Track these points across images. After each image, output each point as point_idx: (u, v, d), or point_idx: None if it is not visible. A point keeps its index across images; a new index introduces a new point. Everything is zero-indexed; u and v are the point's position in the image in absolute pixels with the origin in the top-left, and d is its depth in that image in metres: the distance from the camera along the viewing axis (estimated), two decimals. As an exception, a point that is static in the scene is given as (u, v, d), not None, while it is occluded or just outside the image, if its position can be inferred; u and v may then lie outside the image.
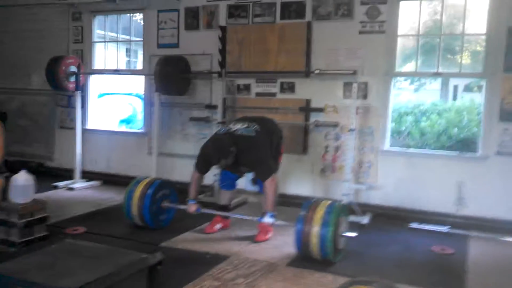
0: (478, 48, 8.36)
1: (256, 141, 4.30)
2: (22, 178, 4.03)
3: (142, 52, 6.90)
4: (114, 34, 7.38)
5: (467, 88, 14.76)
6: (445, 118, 7.75)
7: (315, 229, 3.72)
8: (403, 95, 11.59)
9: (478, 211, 4.99)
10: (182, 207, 4.59)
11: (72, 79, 6.49)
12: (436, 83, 16.24)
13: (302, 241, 3.79)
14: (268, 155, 4.35)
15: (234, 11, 6.07)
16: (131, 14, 7.45)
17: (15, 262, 2.93)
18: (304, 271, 3.67)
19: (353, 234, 3.96)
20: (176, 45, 6.43)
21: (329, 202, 3.96)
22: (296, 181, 5.74)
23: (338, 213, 3.82)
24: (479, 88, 13.18)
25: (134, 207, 4.52)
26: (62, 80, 6.43)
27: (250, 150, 4.24)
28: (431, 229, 4.80)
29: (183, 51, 6.31)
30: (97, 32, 7.24)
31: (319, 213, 3.79)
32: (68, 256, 3.09)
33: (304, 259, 3.88)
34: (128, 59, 11.36)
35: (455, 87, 15.85)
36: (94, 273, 2.72)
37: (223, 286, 3.36)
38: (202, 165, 4.40)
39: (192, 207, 4.43)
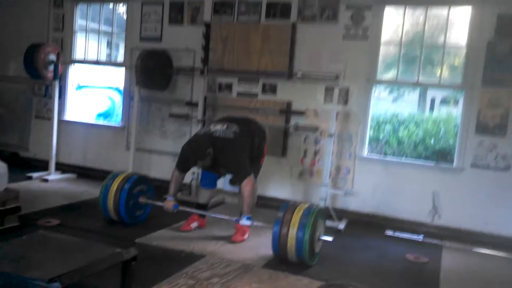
0: (456, 64, 8.52)
1: (234, 143, 4.29)
2: (-5, 166, 3.92)
3: (123, 46, 6.79)
4: (96, 26, 7.24)
5: (444, 101, 15.03)
6: (423, 129, 7.86)
7: (292, 232, 3.71)
8: (382, 104, 11.71)
9: (452, 222, 5.06)
10: (159, 203, 4.53)
11: (51, 68, 6.35)
12: (414, 95, 16.48)
13: (279, 243, 3.78)
14: (245, 157, 4.33)
15: (219, 8, 6.03)
16: (115, 6, 7.33)
17: (-16, 252, 2.83)
18: (280, 274, 3.65)
19: (329, 238, 3.96)
20: (159, 39, 6.36)
21: (307, 205, 3.96)
22: (275, 183, 5.73)
23: (316, 216, 3.82)
24: (455, 102, 13.45)
25: (110, 201, 4.45)
26: (40, 69, 6.29)
27: (228, 152, 4.24)
28: (406, 237, 4.85)
29: (165, 45, 6.24)
30: (79, 21, 7.09)
31: (297, 215, 3.78)
32: (40, 247, 3.00)
33: (280, 261, 3.87)
34: (109, 52, 11.17)
35: (432, 100, 16.13)
36: (67, 266, 2.63)
37: (198, 285, 3.32)
38: (182, 165, 4.38)
39: (169, 204, 4.37)
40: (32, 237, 3.17)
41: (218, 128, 4.33)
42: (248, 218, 4.17)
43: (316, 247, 3.90)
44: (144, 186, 4.68)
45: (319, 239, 3.91)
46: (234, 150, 4.26)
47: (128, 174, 4.69)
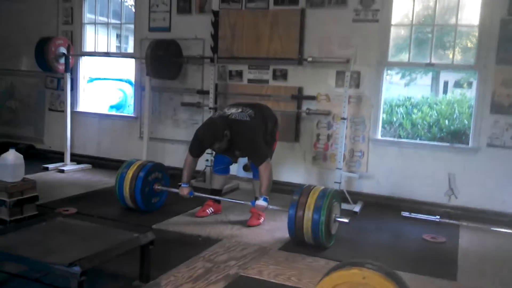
0: (469, 45, 8.42)
1: (250, 126, 4.27)
2: (11, 157, 3.97)
3: (133, 37, 6.80)
4: (105, 19, 7.26)
5: (457, 84, 14.86)
6: (437, 110, 7.79)
7: (308, 214, 3.71)
8: (394, 89, 11.63)
9: (469, 202, 5.02)
10: (175, 190, 4.55)
11: (62, 60, 6.40)
12: (427, 78, 16.32)
13: (295, 226, 3.79)
14: (262, 140, 4.33)
15: (227, -4, 6.01)
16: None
17: (5, 238, 2.88)
18: (296, 256, 3.67)
19: (346, 220, 3.96)
20: (167, 29, 6.34)
21: (322, 187, 3.96)
22: (288, 168, 5.73)
23: (331, 198, 3.81)
24: (469, 84, 13.29)
25: (126, 188, 4.48)
26: (52, 62, 6.34)
27: (244, 134, 4.22)
28: (423, 218, 4.82)
29: (174, 35, 6.23)
30: (88, 16, 7.11)
31: (312, 198, 3.78)
32: (59, 233, 3.05)
33: (296, 244, 3.88)
34: (119, 44, 11.21)
35: (445, 83, 15.94)
36: (85, 251, 2.67)
37: (216, 268, 3.34)
38: (196, 149, 4.36)
39: (184, 190, 4.39)
40: (51, 223, 3.22)
41: (233, 111, 4.32)
42: (265, 199, 4.15)
43: (332, 229, 3.91)
44: (159, 173, 4.71)
45: (335, 221, 3.91)
46: (251, 132, 4.25)
47: (143, 161, 4.73)
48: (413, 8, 5.35)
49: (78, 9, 6.94)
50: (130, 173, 4.50)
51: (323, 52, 5.52)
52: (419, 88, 13.98)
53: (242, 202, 4.43)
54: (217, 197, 4.66)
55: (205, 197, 4.62)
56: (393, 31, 5.47)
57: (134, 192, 4.46)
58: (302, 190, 3.91)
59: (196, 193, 4.48)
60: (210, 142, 4.15)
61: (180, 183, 4.47)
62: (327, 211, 3.73)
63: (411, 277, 3.25)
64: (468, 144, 5.25)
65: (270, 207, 4.17)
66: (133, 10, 6.77)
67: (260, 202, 4.14)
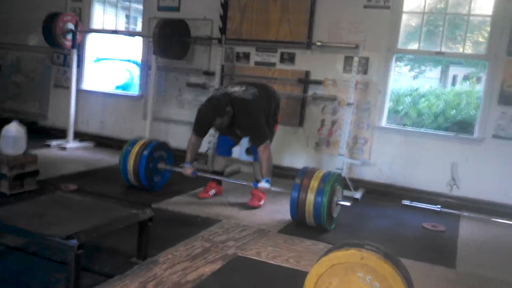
0: (480, 38, 8.31)
1: (253, 104, 4.23)
2: (13, 129, 3.96)
3: (141, 18, 6.75)
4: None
5: (466, 78, 14.68)
6: (444, 100, 7.71)
7: (311, 196, 3.72)
8: (402, 81, 11.53)
9: (471, 192, 4.99)
10: (178, 169, 4.56)
11: (69, 36, 6.38)
12: (436, 72, 16.15)
13: (297, 208, 3.80)
14: (263, 121, 4.29)
15: (239, -23, 5.94)
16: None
17: (4, 209, 2.88)
18: (295, 239, 3.66)
19: (347, 203, 3.96)
20: (176, 9, 6.30)
21: (325, 171, 3.95)
22: (291, 153, 5.71)
23: (334, 181, 3.81)
24: (478, 79, 13.14)
25: (130, 162, 4.49)
26: (59, 37, 6.31)
27: (246, 113, 4.19)
28: (423, 207, 4.81)
29: (183, 14, 6.19)
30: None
31: (315, 181, 3.78)
32: (58, 207, 3.04)
33: (298, 225, 3.89)
34: (127, 25, 11.16)
35: (454, 77, 15.76)
36: (84, 224, 2.66)
37: (214, 247, 3.34)
38: (199, 127, 4.34)
39: (188, 170, 4.38)
40: (51, 197, 3.23)
41: (236, 89, 4.27)
42: (267, 181, 4.14)
43: (334, 212, 3.91)
44: (163, 152, 4.71)
45: (337, 204, 3.92)
46: (253, 111, 4.22)
47: (148, 139, 4.74)
48: (425, -5, 5.27)
49: (87, -15, 6.89)
50: (135, 149, 4.52)
51: (332, 36, 5.47)
52: (428, 81, 13.84)
53: (245, 183, 4.42)
54: (220, 177, 4.65)
55: (209, 177, 4.60)
56: (405, 18, 5.40)
57: (138, 167, 4.46)
58: (305, 173, 3.91)
59: (201, 173, 4.48)
60: (212, 117, 4.10)
61: (182, 164, 4.45)
62: (330, 194, 3.73)
63: (410, 263, 3.22)
64: (473, 134, 5.20)
65: (273, 189, 4.16)
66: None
67: (262, 184, 4.14)
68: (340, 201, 3.94)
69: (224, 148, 4.66)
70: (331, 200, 3.77)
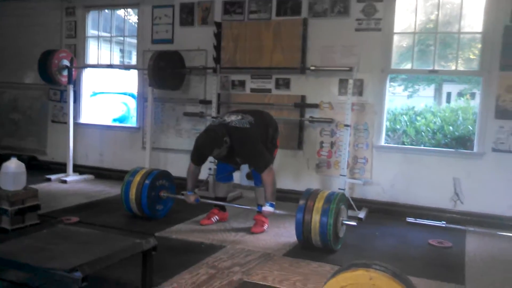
0: (472, 56, 8.43)
1: (250, 132, 4.22)
2: (13, 165, 3.95)
3: (136, 53, 6.84)
4: (108, 34, 7.32)
5: (460, 95, 14.85)
6: (440, 117, 7.75)
7: (316, 218, 3.72)
8: (397, 101, 11.62)
9: (475, 207, 4.97)
10: (181, 197, 4.56)
11: (65, 72, 6.44)
12: (430, 90, 16.33)
13: (303, 230, 3.79)
14: (263, 147, 4.28)
15: (230, 7, 6.05)
16: (125, 13, 7.41)
17: (6, 245, 2.85)
18: (301, 261, 3.62)
19: (353, 223, 3.96)
20: (170, 41, 6.38)
21: (329, 191, 3.96)
22: (292, 176, 5.69)
23: (338, 202, 3.81)
24: (472, 95, 13.28)
25: (133, 191, 4.48)
26: (55, 74, 6.37)
27: (245, 142, 4.18)
28: (428, 224, 4.77)
29: (177, 46, 6.26)
30: (91, 32, 7.17)
31: (320, 202, 3.79)
32: (60, 240, 3.00)
33: (303, 247, 3.87)
34: (122, 59, 11.29)
35: (448, 94, 15.93)
36: (87, 257, 2.63)
37: (219, 274, 3.29)
38: (197, 157, 4.31)
39: (191, 198, 4.39)
40: (52, 230, 3.19)
41: (233, 119, 4.27)
42: (272, 205, 4.13)
43: (340, 232, 3.90)
44: (165, 181, 4.71)
45: (342, 224, 3.91)
46: (251, 139, 4.21)
47: (150, 169, 4.75)
48: (416, 17, 5.36)
49: (81, 23, 6.99)
50: (137, 179, 4.53)
51: (325, 61, 5.53)
52: (422, 99, 13.98)
53: (249, 207, 4.39)
54: (223, 203, 4.63)
55: (212, 203, 4.58)
56: (396, 39, 5.48)
57: (140, 196, 4.45)
58: (309, 194, 3.91)
59: (203, 199, 4.47)
60: (210, 149, 4.10)
61: (183, 192, 4.44)
62: (335, 214, 3.73)
63: (419, 281, 3.20)
64: (473, 149, 5.21)
65: (277, 212, 4.14)
66: (136, 24, 6.82)
67: (267, 208, 4.13)
68: (346, 220, 3.94)
69: (224, 174, 4.64)
70: (336, 220, 3.76)
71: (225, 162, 4.50)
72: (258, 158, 4.19)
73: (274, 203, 4.14)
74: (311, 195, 3.89)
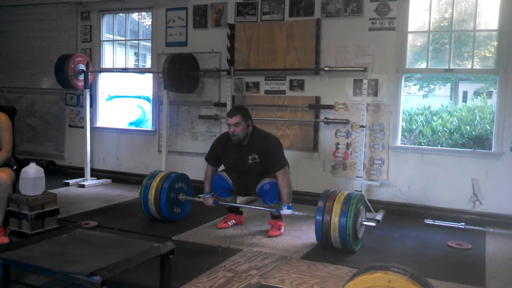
0: (488, 48, 8.31)
1: (271, 137, 4.40)
2: (32, 170, 3.98)
3: (150, 56, 6.88)
4: (123, 38, 7.38)
5: (477, 94, 14.66)
6: (457, 117, 7.65)
7: (335, 219, 3.74)
8: (413, 101, 11.54)
9: (494, 208, 4.91)
10: (199, 199, 4.59)
11: (81, 77, 6.51)
12: (446, 89, 16.16)
13: (322, 231, 3.80)
14: (280, 148, 4.34)
15: (243, 9, 6.05)
16: (139, 16, 7.46)
17: (26, 249, 2.88)
18: (318, 264, 3.61)
19: (372, 223, 3.97)
20: (184, 43, 6.41)
21: (347, 192, 3.97)
22: (307, 178, 5.67)
23: (357, 202, 3.82)
24: (488, 94, 13.12)
25: (152, 191, 4.52)
26: (71, 78, 6.44)
27: (264, 137, 4.31)
28: (447, 225, 4.72)
29: (191, 49, 6.29)
30: (106, 35, 7.24)
31: (338, 203, 3.80)
32: (79, 244, 3.04)
33: (319, 252, 3.86)
34: (137, 63, 11.38)
35: (465, 93, 15.74)
36: (106, 260, 2.65)
37: (237, 277, 3.30)
38: (212, 156, 4.42)
39: (209, 200, 4.41)
40: (71, 235, 3.22)
41: None
42: (289, 207, 4.15)
43: (359, 233, 3.91)
44: (183, 184, 4.73)
45: (361, 225, 3.91)
46: (270, 136, 4.35)
47: (168, 172, 4.78)
48: (430, 15, 5.32)
49: (96, 27, 7.06)
50: (155, 181, 4.57)
51: (339, 61, 5.52)
52: (438, 99, 13.85)
53: (268, 209, 4.36)
54: (241, 205, 4.63)
55: (230, 205, 4.54)
56: (411, 38, 5.43)
57: (159, 198, 4.49)
58: (327, 195, 3.91)
59: (221, 202, 4.48)
60: (232, 113, 4.23)
61: (201, 195, 4.45)
62: (354, 215, 3.74)
63: (438, 283, 3.16)
64: (491, 149, 5.14)
65: (296, 213, 4.16)
66: (150, 28, 6.86)
67: (285, 211, 4.15)
68: (365, 221, 3.94)
69: (221, 190, 4.41)
70: (355, 221, 3.77)
71: (235, 164, 4.39)
72: (277, 155, 4.24)
73: (290, 205, 4.15)
74: (329, 196, 3.90)
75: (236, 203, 4.68)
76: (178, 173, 4.76)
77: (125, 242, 3.12)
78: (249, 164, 4.29)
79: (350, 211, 3.72)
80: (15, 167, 4.15)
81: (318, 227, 3.82)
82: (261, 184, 4.23)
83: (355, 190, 5.02)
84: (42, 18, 7.38)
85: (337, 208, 3.76)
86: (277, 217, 4.38)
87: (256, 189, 4.29)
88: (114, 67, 7.19)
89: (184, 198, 4.66)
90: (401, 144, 5.46)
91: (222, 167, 4.58)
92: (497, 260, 3.87)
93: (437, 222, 4.77)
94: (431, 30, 5.45)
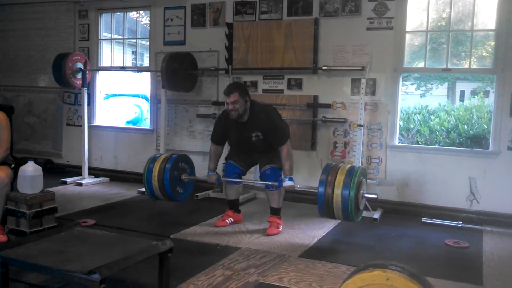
0: (485, 53, 8.36)
1: (271, 110, 4.43)
2: (30, 168, 3.98)
3: (148, 54, 6.88)
4: (121, 36, 7.37)
5: (474, 93, 14.70)
6: (454, 116, 7.68)
7: (338, 191, 3.75)
8: (410, 100, 11.55)
9: (492, 206, 4.92)
10: (202, 178, 4.65)
11: (79, 75, 6.49)
12: (443, 89, 16.21)
13: (324, 203, 3.81)
14: (281, 122, 4.43)
15: (241, 8, 6.05)
16: (137, 15, 7.45)
17: (25, 248, 2.87)
18: (316, 262, 3.62)
19: (373, 196, 4.03)
20: (182, 42, 6.41)
21: (349, 165, 3.98)
22: (305, 177, 5.65)
23: (359, 175, 3.83)
24: (486, 93, 13.16)
25: (155, 170, 4.50)
26: (69, 77, 6.42)
27: (266, 112, 4.33)
28: (444, 224, 4.74)
29: (189, 48, 6.28)
30: (104, 34, 7.23)
31: (341, 175, 3.80)
32: (78, 242, 3.03)
33: (317, 250, 3.88)
34: (135, 61, 11.35)
35: (462, 92, 15.78)
36: (105, 259, 2.65)
37: (235, 275, 3.30)
38: (216, 136, 4.50)
39: (212, 177, 4.49)
40: (70, 233, 3.21)
41: None
42: (291, 179, 4.22)
43: (361, 205, 3.94)
44: (185, 165, 4.72)
45: (362, 197, 3.94)
46: (272, 111, 4.40)
47: (169, 154, 4.77)
48: (428, 15, 5.33)
49: (94, 25, 7.05)
50: (160, 159, 4.56)
51: (337, 60, 5.52)
52: (435, 98, 13.89)
53: (269, 183, 4.34)
54: (247, 181, 4.78)
55: (233, 181, 4.54)
56: (408, 37, 5.45)
57: (163, 174, 4.45)
58: (330, 168, 3.92)
59: (223, 179, 4.55)
60: (230, 91, 4.26)
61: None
62: (356, 187, 3.76)
63: (436, 282, 3.18)
64: (488, 148, 5.16)
65: (298, 186, 4.26)
66: (148, 26, 6.86)
67: (287, 183, 4.22)
68: (366, 193, 3.97)
69: (231, 176, 4.57)
70: (357, 193, 3.79)
71: (239, 144, 4.48)
72: (279, 130, 4.29)
73: (292, 176, 4.24)
74: (331, 169, 3.90)
75: (239, 196, 4.81)
76: (180, 154, 4.76)
77: (123, 240, 3.12)
78: (253, 141, 4.37)
79: (353, 183, 3.73)
80: (13, 165, 4.13)
81: (321, 199, 3.82)
82: (264, 168, 4.39)
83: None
84: (40, 17, 7.36)
85: (340, 179, 3.77)
86: (276, 215, 4.42)
87: (260, 171, 4.47)
88: (112, 65, 7.17)
89: (187, 178, 4.66)
90: (399, 143, 5.48)
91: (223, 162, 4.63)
92: (494, 258, 3.89)
93: (435, 221, 4.80)
94: (429, 29, 5.46)
